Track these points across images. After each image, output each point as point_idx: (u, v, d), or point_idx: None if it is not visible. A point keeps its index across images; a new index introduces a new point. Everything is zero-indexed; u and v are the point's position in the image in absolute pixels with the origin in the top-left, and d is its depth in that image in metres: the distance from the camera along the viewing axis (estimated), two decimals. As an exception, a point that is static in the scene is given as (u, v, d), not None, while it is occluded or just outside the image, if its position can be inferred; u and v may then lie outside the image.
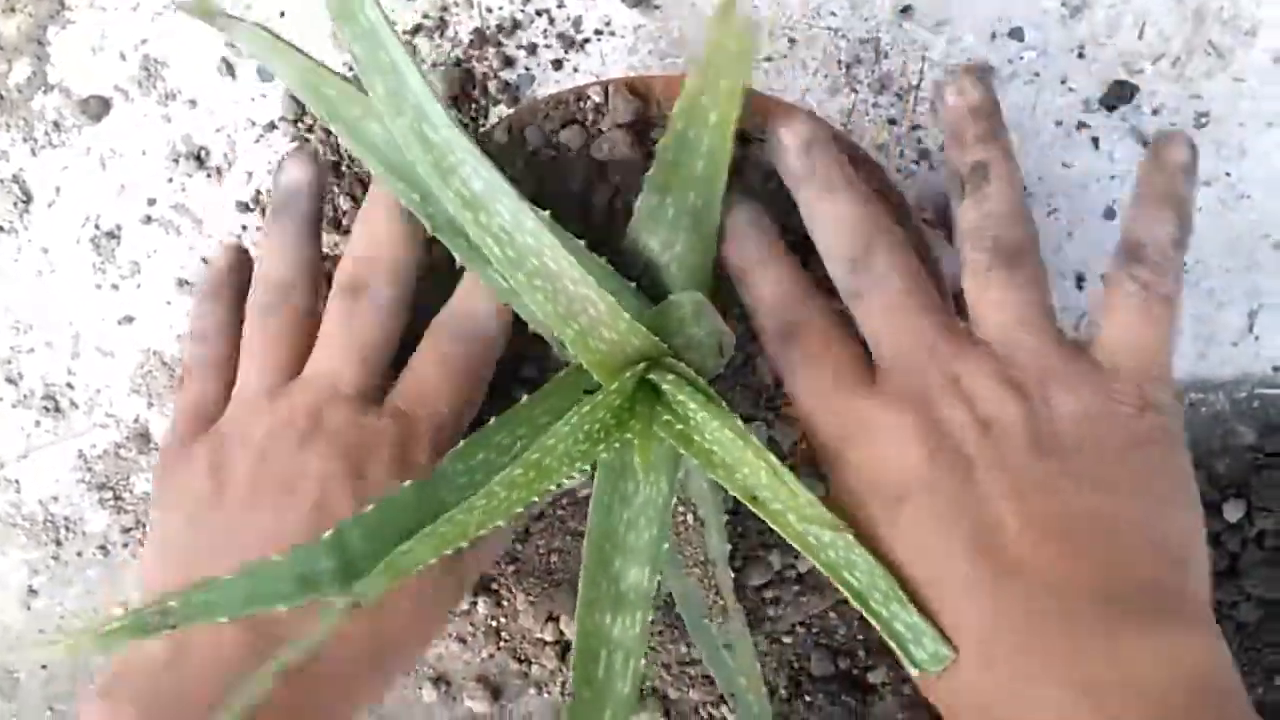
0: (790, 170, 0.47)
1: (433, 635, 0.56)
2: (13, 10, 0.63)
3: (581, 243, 0.46)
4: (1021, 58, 0.59)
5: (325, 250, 0.60)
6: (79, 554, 0.64)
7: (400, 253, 0.48)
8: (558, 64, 0.60)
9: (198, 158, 0.62)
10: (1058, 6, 0.58)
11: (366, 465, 0.45)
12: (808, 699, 0.60)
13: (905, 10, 0.59)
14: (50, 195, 0.63)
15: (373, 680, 0.46)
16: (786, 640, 0.61)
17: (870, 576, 0.42)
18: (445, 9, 0.61)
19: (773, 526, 0.43)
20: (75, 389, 0.63)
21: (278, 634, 0.42)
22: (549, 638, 0.59)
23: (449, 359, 0.48)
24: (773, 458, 0.42)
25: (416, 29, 0.61)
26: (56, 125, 0.63)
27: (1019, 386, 0.43)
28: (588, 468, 0.45)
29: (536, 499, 0.42)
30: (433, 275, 0.50)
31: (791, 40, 0.59)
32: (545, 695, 0.62)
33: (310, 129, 0.61)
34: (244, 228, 0.62)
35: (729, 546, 0.50)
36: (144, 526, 0.63)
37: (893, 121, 0.59)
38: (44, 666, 0.65)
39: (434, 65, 0.60)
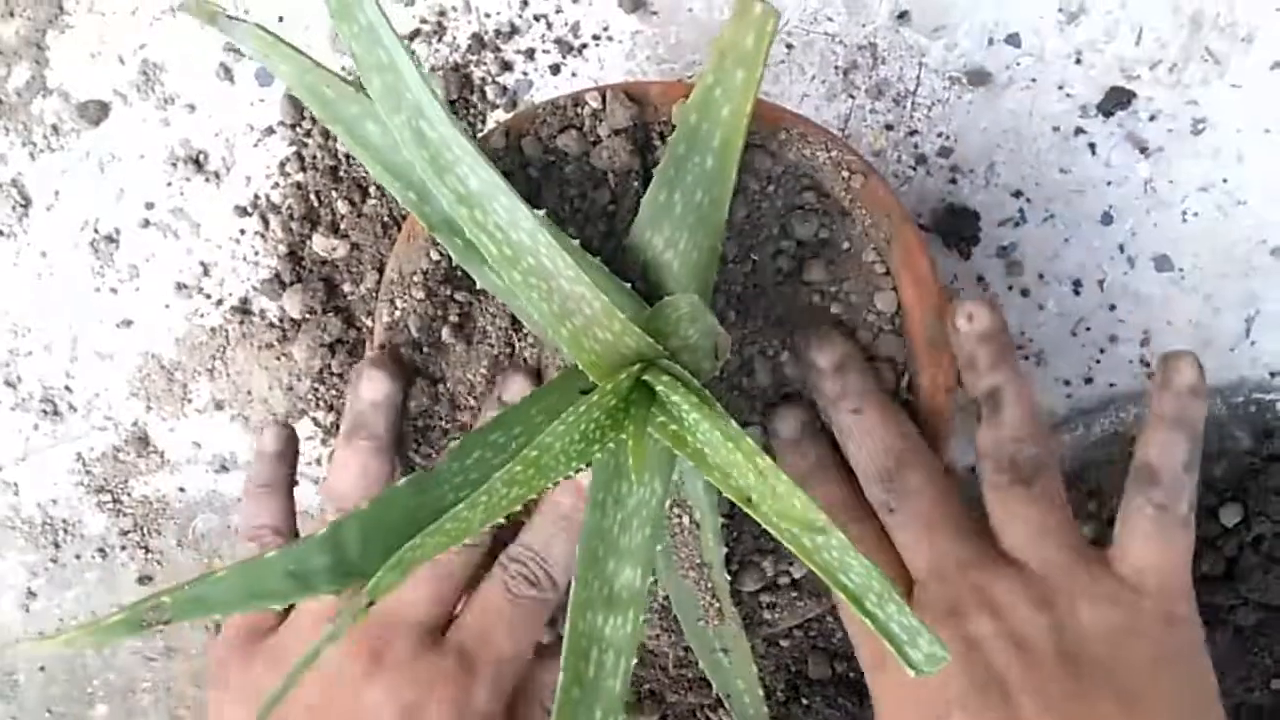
0: (823, 391, 0.49)
1: None
2: (12, 14, 0.63)
3: (576, 243, 0.46)
4: (1019, 63, 0.59)
5: (323, 255, 0.60)
6: (77, 557, 0.64)
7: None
8: (555, 69, 0.61)
9: (196, 162, 0.62)
10: (1055, 12, 0.58)
11: (425, 710, 0.45)
12: (805, 702, 0.60)
13: (902, 16, 0.59)
14: (49, 199, 0.63)
15: None
16: (784, 644, 0.62)
17: (865, 578, 0.42)
18: (443, 14, 0.61)
19: (767, 529, 0.43)
20: (74, 392, 0.63)
21: None
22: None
23: (518, 601, 0.47)
24: (765, 460, 0.42)
25: (414, 34, 0.61)
26: (55, 129, 0.63)
27: (1046, 600, 0.44)
28: (584, 466, 0.45)
29: (535, 496, 0.42)
30: None
31: (789, 45, 0.59)
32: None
33: (308, 134, 0.61)
34: (242, 232, 0.62)
35: (725, 549, 0.50)
36: (142, 530, 0.63)
37: (890, 127, 0.59)
38: (42, 669, 0.65)
39: (432, 70, 0.60)
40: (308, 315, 0.61)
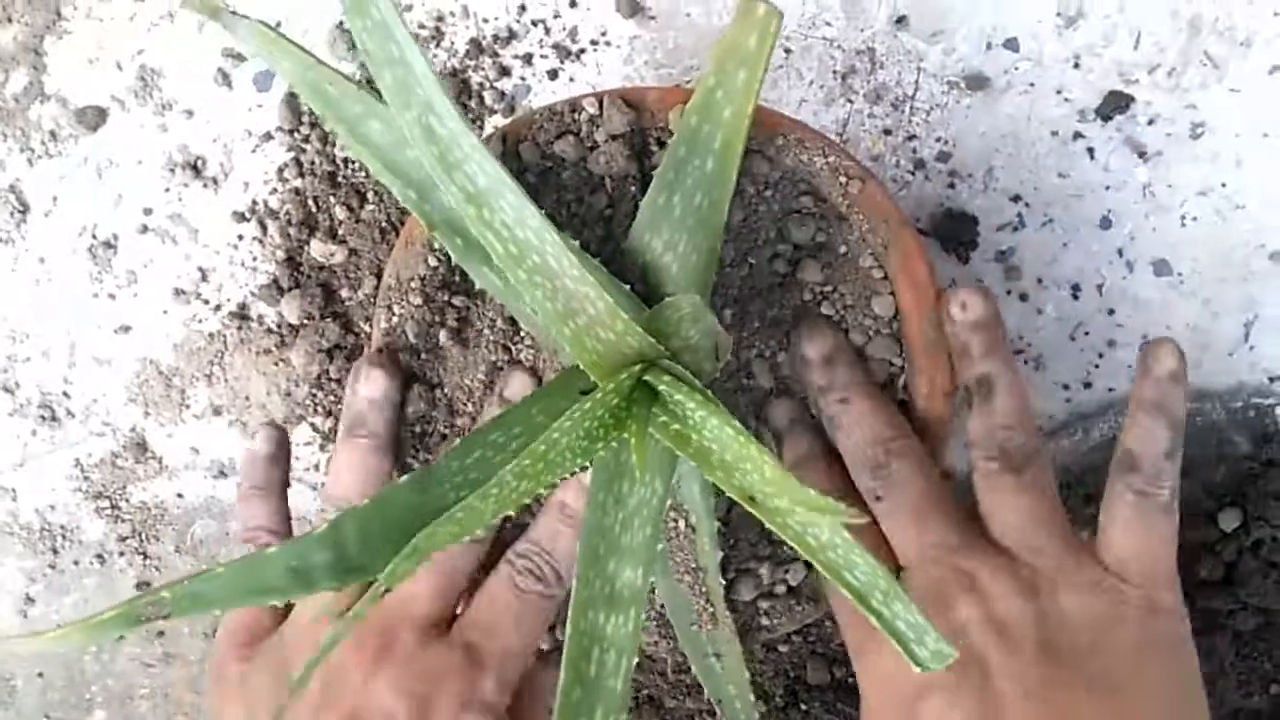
0: (812, 381, 0.50)
1: None
2: (9, 20, 0.63)
3: (575, 244, 0.46)
4: (1017, 68, 0.59)
5: (321, 261, 0.60)
6: (76, 563, 0.64)
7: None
8: (553, 74, 0.61)
9: (194, 167, 0.62)
10: (1053, 17, 0.58)
11: (433, 702, 0.45)
12: (804, 707, 0.60)
13: (900, 21, 0.59)
14: (47, 205, 0.63)
15: None
16: (782, 649, 0.61)
17: (871, 576, 0.42)
18: (441, 19, 0.61)
19: (770, 528, 0.43)
20: (72, 398, 0.63)
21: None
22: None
23: (525, 596, 0.48)
24: (772, 457, 0.42)
25: (413, 39, 0.60)
26: (53, 135, 0.63)
27: (1031, 587, 0.44)
28: (587, 464, 0.45)
29: (543, 490, 0.42)
30: None
31: (787, 50, 0.59)
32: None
33: (306, 139, 0.61)
34: (240, 237, 0.62)
35: (720, 555, 0.50)
36: (140, 536, 0.63)
37: (888, 132, 0.59)
38: (40, 674, 0.65)
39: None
40: (306, 321, 0.61)
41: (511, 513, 0.42)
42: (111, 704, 0.65)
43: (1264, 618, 0.57)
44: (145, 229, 0.63)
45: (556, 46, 0.60)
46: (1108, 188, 0.59)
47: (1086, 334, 0.59)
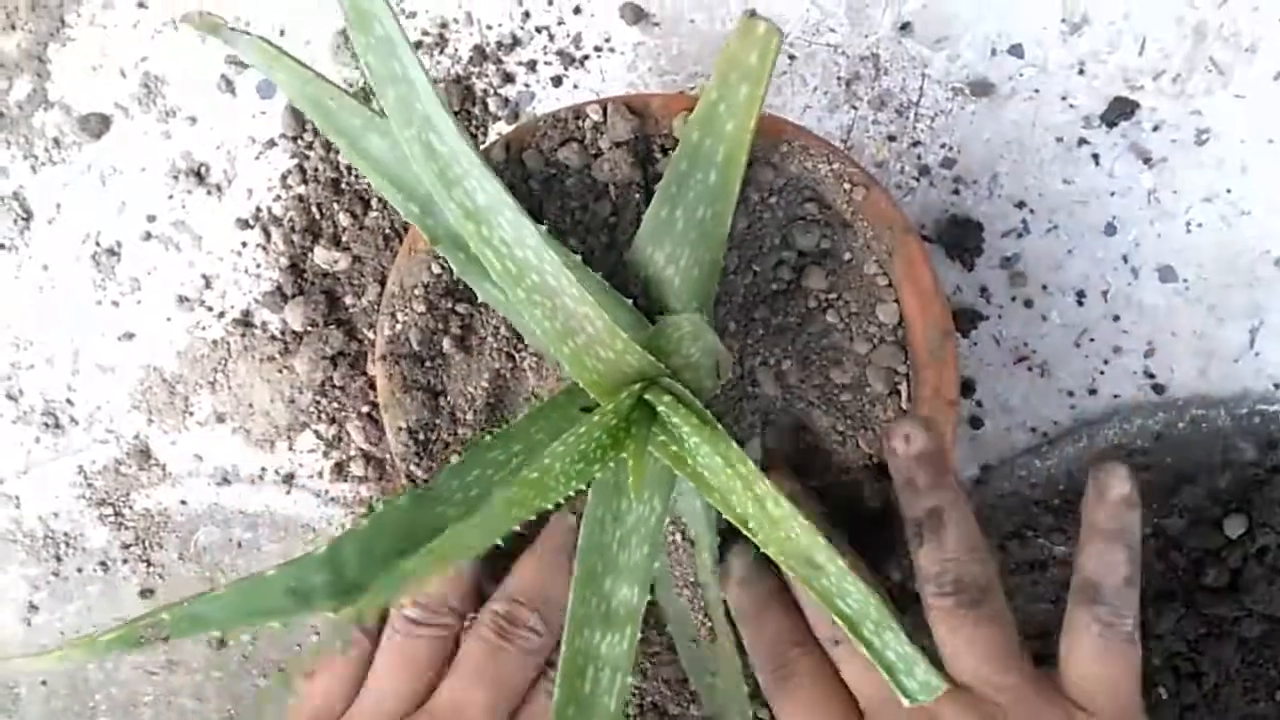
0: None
1: None
2: (13, 27, 0.63)
3: (578, 257, 0.46)
4: (1022, 74, 0.58)
5: (324, 268, 0.60)
6: (79, 570, 0.64)
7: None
8: (557, 81, 0.60)
9: (198, 174, 0.62)
10: (1058, 23, 0.58)
11: None
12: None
13: (905, 27, 0.59)
14: (51, 212, 0.63)
15: None
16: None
17: (863, 604, 0.42)
18: (445, 26, 0.61)
19: (765, 552, 0.43)
20: (75, 405, 0.63)
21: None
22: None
23: None
24: (764, 484, 0.41)
25: (417, 45, 0.61)
26: (57, 142, 0.63)
27: None
28: (584, 486, 0.45)
29: (534, 517, 0.42)
30: None
31: (791, 57, 0.59)
32: None
33: (310, 146, 0.61)
34: (244, 244, 0.62)
35: (720, 570, 0.50)
36: (144, 543, 0.63)
37: (892, 138, 0.59)
38: (44, 682, 0.65)
39: (434, 82, 0.60)
40: (309, 328, 0.60)
41: (500, 542, 0.42)
42: (115, 712, 0.65)
43: (1270, 624, 0.57)
44: (149, 236, 0.62)
45: (560, 53, 0.60)
46: (1113, 194, 0.58)
47: (1091, 340, 0.59)
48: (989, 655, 0.44)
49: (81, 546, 0.64)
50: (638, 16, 0.60)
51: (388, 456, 0.61)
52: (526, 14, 0.61)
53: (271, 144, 0.62)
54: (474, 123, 0.61)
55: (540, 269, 0.42)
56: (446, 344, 0.51)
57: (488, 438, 0.47)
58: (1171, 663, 0.58)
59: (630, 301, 0.47)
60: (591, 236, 0.51)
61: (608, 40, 0.60)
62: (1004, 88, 0.59)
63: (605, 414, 0.43)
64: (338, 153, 0.61)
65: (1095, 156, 0.58)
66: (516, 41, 0.61)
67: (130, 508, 0.63)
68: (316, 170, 0.61)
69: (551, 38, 0.60)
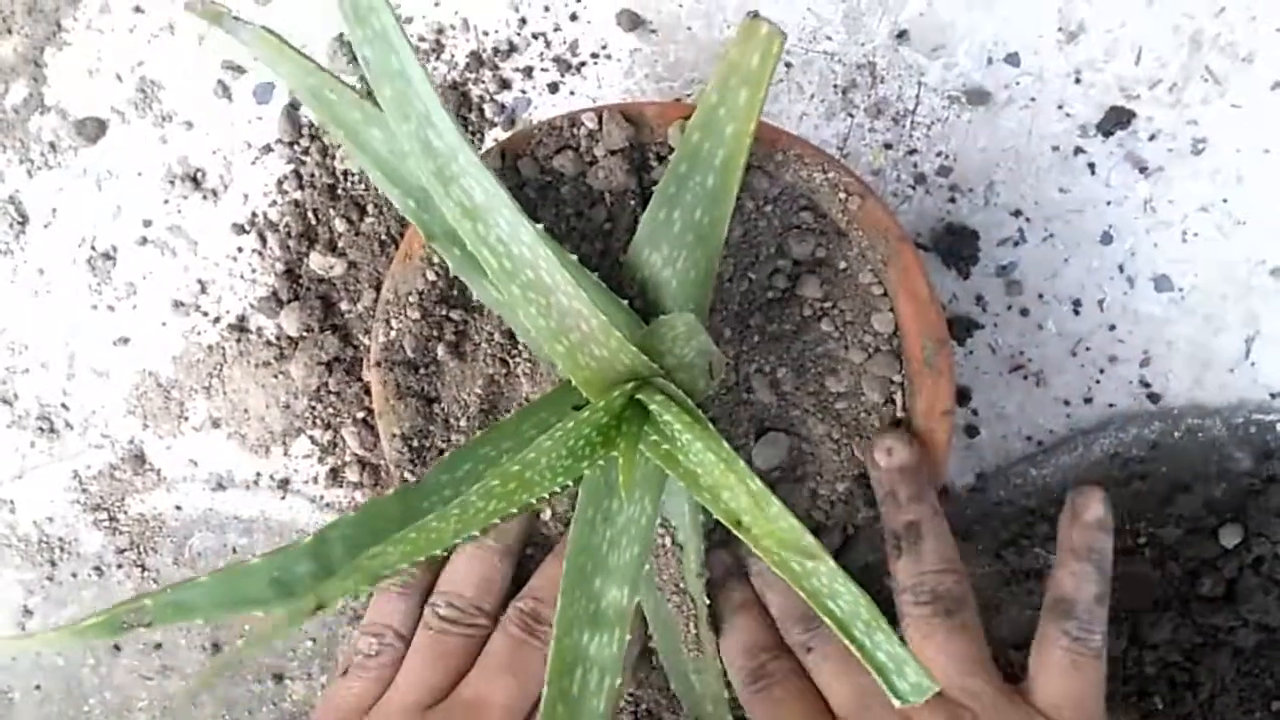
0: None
1: None
2: (9, 32, 0.63)
3: (574, 257, 0.46)
4: (1018, 83, 0.58)
5: (320, 273, 0.60)
6: (74, 575, 0.64)
7: None
8: (554, 87, 0.60)
9: (194, 179, 0.62)
10: (1054, 32, 0.58)
11: None
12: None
13: (901, 35, 0.59)
14: (46, 216, 0.63)
15: None
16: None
17: (853, 605, 0.42)
18: (441, 32, 0.61)
19: (756, 552, 0.43)
20: (70, 410, 0.63)
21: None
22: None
23: None
24: (757, 483, 0.41)
25: (413, 52, 0.60)
26: (53, 146, 0.63)
27: None
28: (571, 483, 0.45)
29: (516, 510, 0.42)
30: None
31: (788, 64, 0.59)
32: None
33: (306, 151, 0.61)
34: (239, 249, 0.62)
35: (707, 574, 0.50)
36: (138, 548, 0.63)
37: (888, 146, 0.59)
38: (38, 687, 0.65)
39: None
40: (305, 333, 0.60)
41: (477, 532, 0.42)
42: (109, 717, 0.64)
43: (1265, 634, 0.57)
44: (144, 241, 0.62)
45: (557, 60, 0.60)
46: (1109, 203, 0.58)
47: (1087, 349, 0.59)
48: (961, 663, 0.46)
49: (76, 551, 0.64)
50: (635, 24, 0.60)
51: (382, 462, 0.61)
52: (523, 21, 0.61)
53: (268, 149, 0.62)
54: (470, 129, 0.61)
55: (535, 266, 0.42)
56: (441, 350, 0.51)
57: (479, 434, 0.47)
58: (1167, 672, 0.57)
59: (626, 303, 0.47)
60: (586, 243, 0.51)
61: (604, 47, 0.60)
62: (1000, 96, 0.59)
63: (596, 411, 0.43)
64: (334, 158, 0.61)
65: (1091, 165, 0.58)
66: (513, 48, 0.61)
67: (125, 513, 0.63)
68: (313, 176, 0.61)
69: (548, 44, 0.60)
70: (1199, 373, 0.58)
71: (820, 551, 0.41)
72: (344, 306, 0.61)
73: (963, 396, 0.59)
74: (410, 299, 0.51)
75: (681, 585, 0.50)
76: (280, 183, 0.61)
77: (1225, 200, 0.58)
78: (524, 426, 0.48)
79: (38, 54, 0.63)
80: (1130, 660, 0.58)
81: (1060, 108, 0.58)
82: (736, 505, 0.43)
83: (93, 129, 0.62)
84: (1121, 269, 0.58)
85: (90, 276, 0.63)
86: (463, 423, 0.52)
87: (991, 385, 0.59)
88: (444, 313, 0.51)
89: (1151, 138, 0.58)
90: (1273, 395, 0.58)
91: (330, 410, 0.61)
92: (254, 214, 0.62)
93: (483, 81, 0.61)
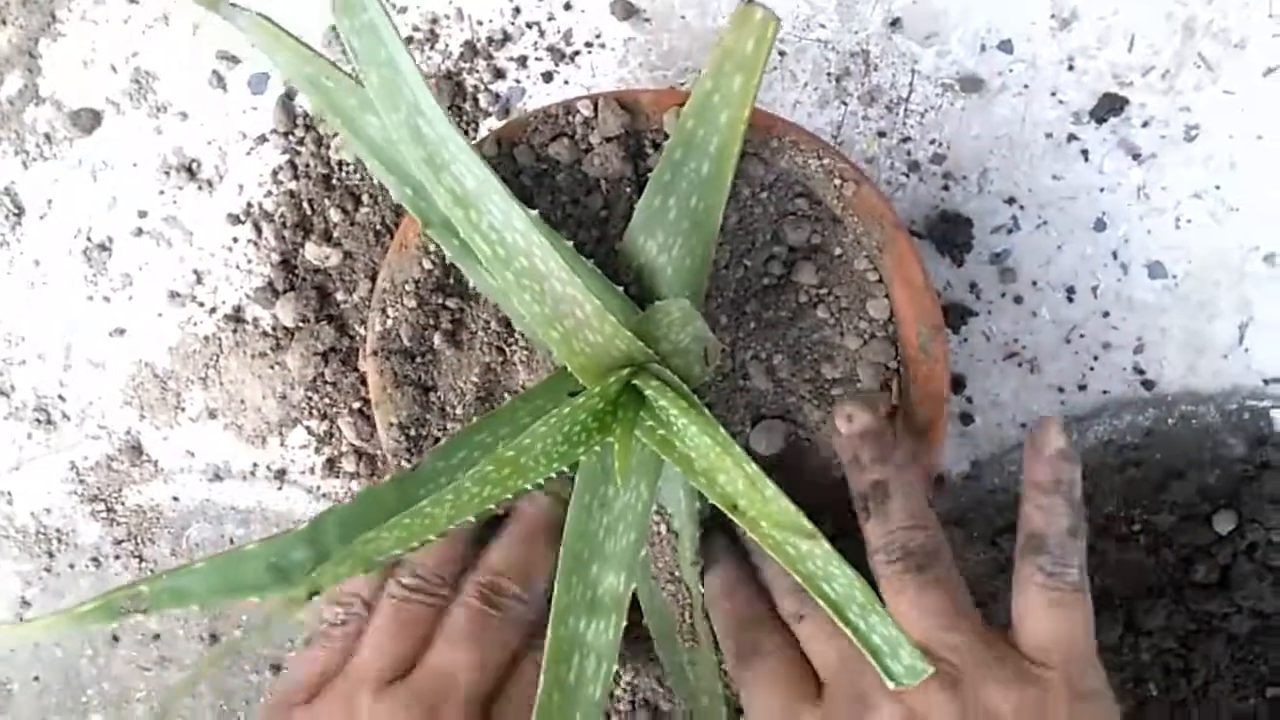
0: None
1: None
2: (4, 23, 0.63)
3: (569, 243, 0.46)
4: (1011, 70, 0.59)
5: (315, 264, 0.60)
6: (71, 566, 0.64)
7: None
8: (548, 76, 0.61)
9: (189, 170, 0.62)
10: (1047, 19, 0.58)
11: None
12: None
13: (895, 23, 0.59)
14: (42, 207, 0.63)
15: None
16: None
17: (848, 588, 0.42)
18: (435, 21, 0.61)
19: (752, 536, 0.43)
20: (67, 401, 0.63)
21: None
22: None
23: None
24: (752, 466, 0.42)
25: (407, 41, 0.61)
26: (48, 138, 0.63)
27: (953, 684, 0.43)
28: (566, 468, 0.45)
29: (510, 496, 0.42)
30: None
31: (781, 53, 0.59)
32: None
33: (301, 142, 0.61)
34: (235, 240, 0.62)
35: (701, 562, 0.50)
36: (136, 539, 0.63)
37: (882, 134, 0.59)
38: (36, 678, 0.65)
39: (425, 78, 0.60)
40: (301, 324, 0.60)
41: (472, 518, 0.42)
42: (108, 707, 0.65)
43: (1259, 620, 0.57)
44: (140, 232, 0.62)
45: (551, 49, 0.60)
46: (1102, 190, 0.59)
47: (1081, 336, 0.59)
48: (938, 616, 0.44)
49: (74, 542, 0.64)
50: (628, 12, 0.60)
51: (379, 452, 0.61)
52: (517, 10, 0.61)
53: (263, 139, 0.62)
54: (465, 119, 0.61)
55: (529, 252, 0.42)
56: (437, 339, 0.52)
57: (475, 420, 0.47)
58: (1162, 659, 0.58)
59: (621, 290, 0.47)
60: (582, 231, 0.51)
61: (598, 36, 0.60)
62: (993, 83, 0.59)
63: (591, 396, 0.43)
64: (329, 149, 0.61)
65: (1085, 152, 0.59)
66: (507, 37, 0.61)
67: (122, 504, 0.63)
68: (308, 166, 0.61)
69: (542, 33, 0.61)
70: (1193, 359, 0.58)
71: (816, 533, 0.41)
72: (340, 296, 0.61)
73: (957, 384, 0.59)
74: (406, 288, 0.51)
75: (676, 574, 0.51)
76: (275, 173, 0.61)
77: (1218, 187, 0.58)
78: (520, 413, 0.48)
79: (32, 45, 0.63)
80: (1125, 647, 0.58)
81: (1053, 95, 0.58)
82: (733, 489, 0.43)
83: (88, 120, 0.62)
84: (1115, 256, 0.59)
85: (86, 267, 0.63)
86: (459, 411, 0.52)
87: (986, 372, 0.59)
88: (440, 301, 0.52)
89: (1144, 124, 0.58)
90: (1266, 381, 0.58)
91: (326, 400, 0.61)
92: (249, 204, 0.62)
93: (477, 71, 0.61)
